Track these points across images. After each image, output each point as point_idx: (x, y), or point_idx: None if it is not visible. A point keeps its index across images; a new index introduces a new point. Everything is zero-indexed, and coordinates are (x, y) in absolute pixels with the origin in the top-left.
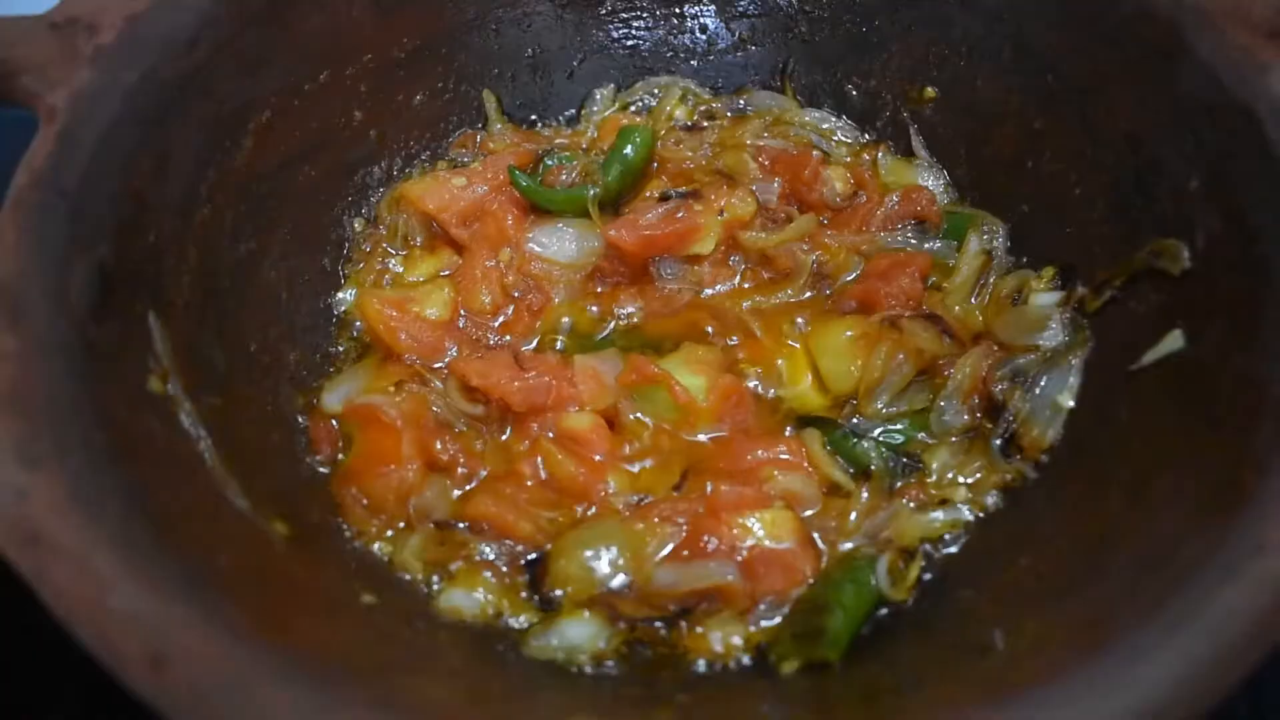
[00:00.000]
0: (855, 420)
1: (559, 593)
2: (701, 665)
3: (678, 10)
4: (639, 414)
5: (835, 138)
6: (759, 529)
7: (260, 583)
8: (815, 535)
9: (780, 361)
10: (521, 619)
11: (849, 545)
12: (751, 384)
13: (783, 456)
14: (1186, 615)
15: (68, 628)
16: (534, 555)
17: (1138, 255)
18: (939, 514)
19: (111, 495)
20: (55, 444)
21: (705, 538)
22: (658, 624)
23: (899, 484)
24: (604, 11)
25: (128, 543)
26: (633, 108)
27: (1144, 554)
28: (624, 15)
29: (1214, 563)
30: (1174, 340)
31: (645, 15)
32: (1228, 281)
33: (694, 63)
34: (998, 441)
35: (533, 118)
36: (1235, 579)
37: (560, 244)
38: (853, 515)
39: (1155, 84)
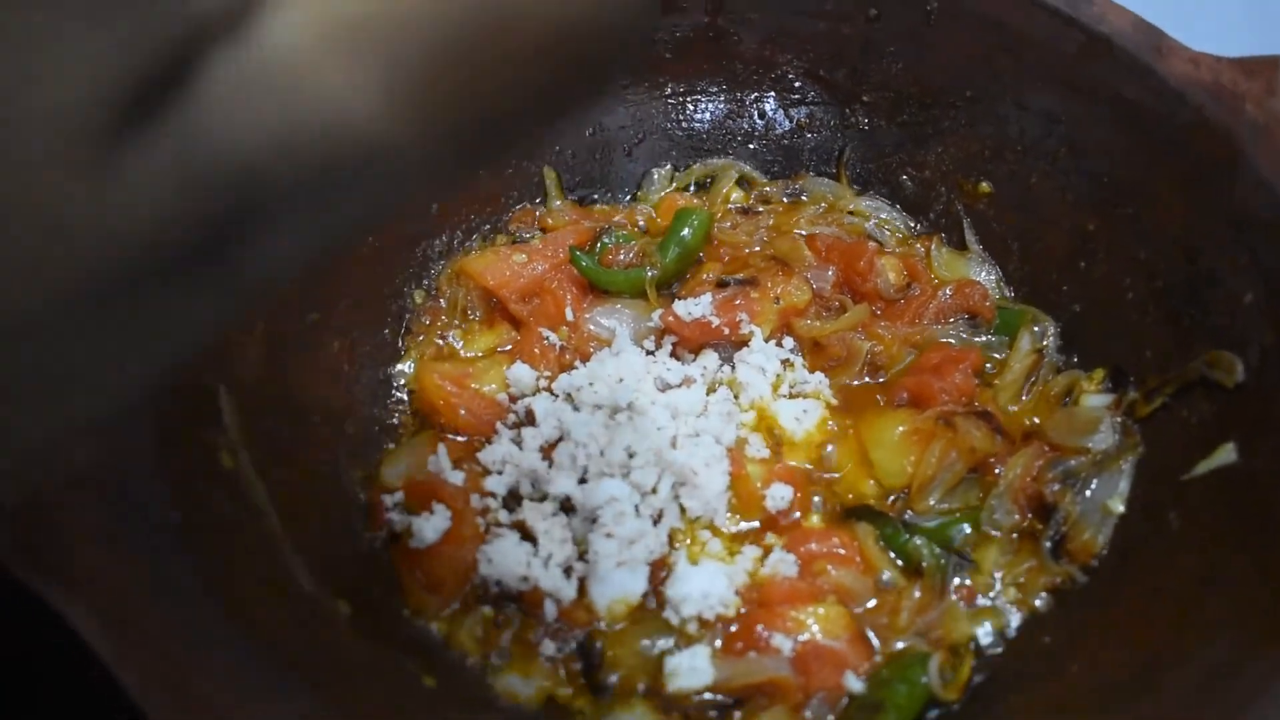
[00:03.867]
0: (907, 515)
1: (613, 679)
2: None
3: (738, 95)
4: None
5: (888, 227)
6: (813, 624)
7: (331, 669)
8: (868, 631)
9: (830, 448)
10: (577, 706)
11: (901, 644)
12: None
13: (838, 551)
14: None
15: (146, 714)
16: (587, 639)
17: (1190, 364)
18: (987, 613)
19: (189, 577)
20: (135, 524)
21: (758, 629)
22: (710, 713)
23: (951, 581)
24: (667, 93)
25: (204, 628)
26: (690, 188)
27: (1201, 674)
28: (685, 98)
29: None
30: (1227, 453)
31: (706, 99)
32: None
33: (751, 145)
34: (1048, 544)
35: (591, 195)
36: None
37: (617, 324)
38: (904, 613)
39: (1211, 195)
